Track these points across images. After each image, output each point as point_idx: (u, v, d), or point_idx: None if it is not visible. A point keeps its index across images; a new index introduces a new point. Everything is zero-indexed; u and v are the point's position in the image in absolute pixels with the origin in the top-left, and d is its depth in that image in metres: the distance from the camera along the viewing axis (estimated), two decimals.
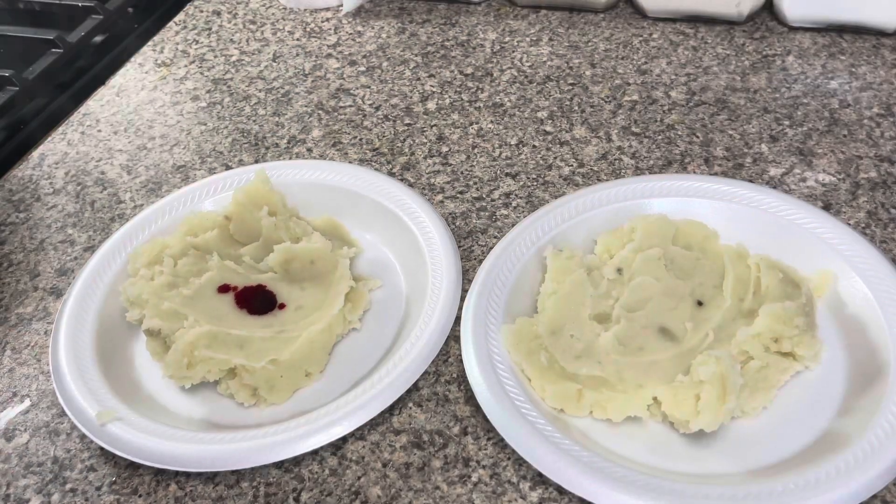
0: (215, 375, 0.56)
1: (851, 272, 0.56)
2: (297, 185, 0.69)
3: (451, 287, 0.58)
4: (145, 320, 0.57)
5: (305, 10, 0.96)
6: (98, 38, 0.97)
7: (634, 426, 0.52)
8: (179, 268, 0.60)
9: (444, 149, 0.74)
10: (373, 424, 0.53)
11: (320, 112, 0.81)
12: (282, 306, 0.59)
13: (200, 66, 0.89)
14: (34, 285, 0.67)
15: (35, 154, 0.80)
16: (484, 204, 0.68)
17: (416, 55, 0.87)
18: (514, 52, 0.86)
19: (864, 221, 0.63)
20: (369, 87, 0.83)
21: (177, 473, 0.52)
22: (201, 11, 0.99)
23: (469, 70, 0.84)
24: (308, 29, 0.93)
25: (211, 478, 0.52)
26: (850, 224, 0.62)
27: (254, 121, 0.81)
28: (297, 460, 0.52)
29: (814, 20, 0.82)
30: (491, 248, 0.62)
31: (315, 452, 0.52)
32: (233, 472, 0.52)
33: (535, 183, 0.70)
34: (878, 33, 0.82)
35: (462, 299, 0.59)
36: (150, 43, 0.94)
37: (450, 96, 0.81)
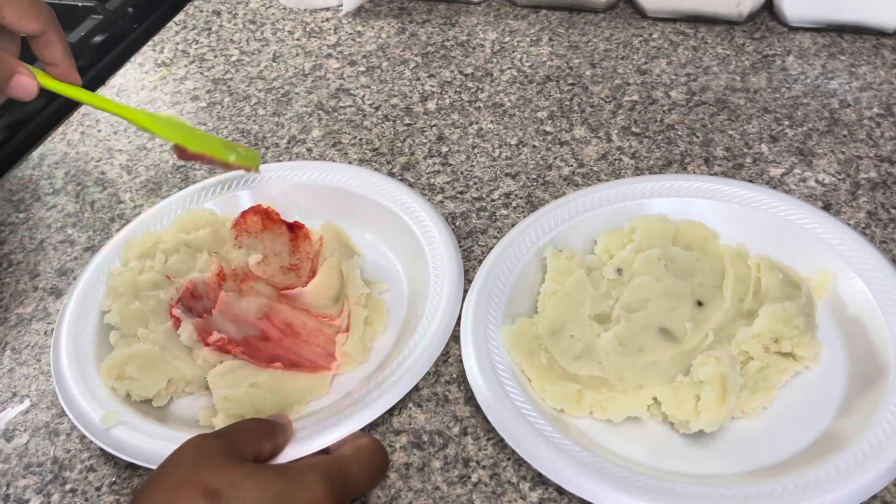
0: (140, 395, 0.55)
1: (851, 272, 0.56)
2: (298, 186, 0.68)
3: (452, 288, 0.58)
4: (108, 314, 0.58)
5: (305, 10, 0.96)
6: (98, 39, 0.97)
7: (634, 426, 0.52)
8: (170, 264, 0.61)
9: (444, 149, 0.74)
10: (373, 425, 0.53)
11: (320, 112, 0.81)
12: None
13: (200, 66, 0.89)
14: (34, 285, 0.67)
15: (35, 154, 0.80)
16: (484, 204, 0.68)
17: (416, 55, 0.87)
18: (514, 52, 0.86)
19: (864, 222, 0.63)
20: (369, 87, 0.83)
21: None
22: (201, 11, 0.99)
23: (469, 70, 0.84)
24: (308, 29, 0.93)
25: None
26: (850, 224, 0.62)
27: (253, 121, 0.81)
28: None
29: (814, 20, 0.82)
30: (491, 248, 0.62)
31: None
32: None
33: (534, 183, 0.70)
34: (879, 33, 0.82)
35: (462, 300, 0.59)
36: (149, 43, 0.94)
37: (450, 96, 0.81)
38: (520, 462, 0.50)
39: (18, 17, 0.53)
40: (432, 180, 0.71)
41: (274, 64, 0.88)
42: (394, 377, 0.54)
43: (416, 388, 0.55)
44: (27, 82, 0.54)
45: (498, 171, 0.71)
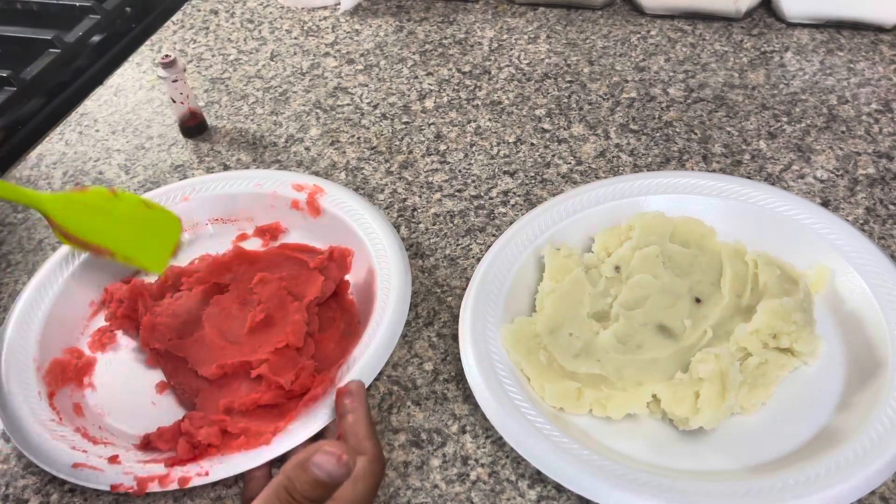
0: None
1: (849, 268, 0.56)
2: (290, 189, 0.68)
3: (400, 291, 0.58)
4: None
5: (303, 8, 0.96)
6: (96, 38, 0.97)
7: (634, 424, 0.52)
8: None
9: (442, 147, 0.74)
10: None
11: (318, 111, 0.81)
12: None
13: (198, 66, 0.89)
14: None
15: (33, 154, 0.80)
16: (482, 202, 0.68)
17: (414, 53, 0.87)
18: (511, 49, 0.86)
19: (862, 218, 0.63)
20: (367, 86, 0.83)
21: None
22: (199, 11, 0.99)
23: (467, 68, 0.84)
24: (306, 28, 0.93)
25: None
26: (848, 220, 0.62)
27: (251, 120, 0.81)
28: None
29: (812, 16, 0.82)
30: (489, 246, 0.62)
31: None
32: None
33: (533, 181, 0.70)
34: (877, 29, 0.82)
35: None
36: (147, 42, 0.94)
37: (448, 94, 0.80)
38: (518, 460, 0.50)
39: None
40: (430, 178, 0.71)
41: (272, 63, 0.88)
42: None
43: (415, 387, 0.55)
44: None
45: (496, 169, 0.71)
